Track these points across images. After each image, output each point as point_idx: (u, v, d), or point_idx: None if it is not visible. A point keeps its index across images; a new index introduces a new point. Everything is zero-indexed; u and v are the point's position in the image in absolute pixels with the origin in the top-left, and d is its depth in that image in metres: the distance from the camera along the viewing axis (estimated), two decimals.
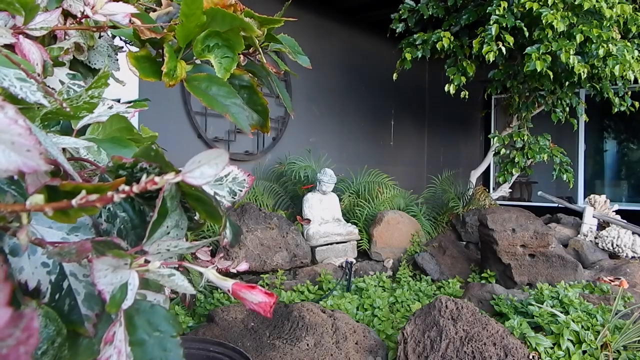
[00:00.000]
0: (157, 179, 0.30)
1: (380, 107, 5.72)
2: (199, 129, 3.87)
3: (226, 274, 0.41)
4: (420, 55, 4.00)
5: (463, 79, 3.92)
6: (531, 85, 4.24)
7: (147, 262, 0.35)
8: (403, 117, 6.02)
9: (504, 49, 3.53)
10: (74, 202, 0.28)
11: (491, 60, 3.54)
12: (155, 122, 3.53)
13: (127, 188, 0.29)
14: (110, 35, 0.82)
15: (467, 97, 4.09)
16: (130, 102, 0.73)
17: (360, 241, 3.81)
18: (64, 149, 0.53)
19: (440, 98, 5.82)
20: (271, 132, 4.43)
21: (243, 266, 0.43)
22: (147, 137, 0.61)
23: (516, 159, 4.20)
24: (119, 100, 0.71)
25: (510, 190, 5.03)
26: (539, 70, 3.40)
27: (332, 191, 3.92)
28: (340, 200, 4.09)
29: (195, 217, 0.45)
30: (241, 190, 0.49)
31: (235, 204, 3.48)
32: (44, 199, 0.29)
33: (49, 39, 0.73)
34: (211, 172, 0.32)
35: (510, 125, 4.67)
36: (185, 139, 3.80)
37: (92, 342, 0.39)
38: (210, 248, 0.49)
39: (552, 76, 3.65)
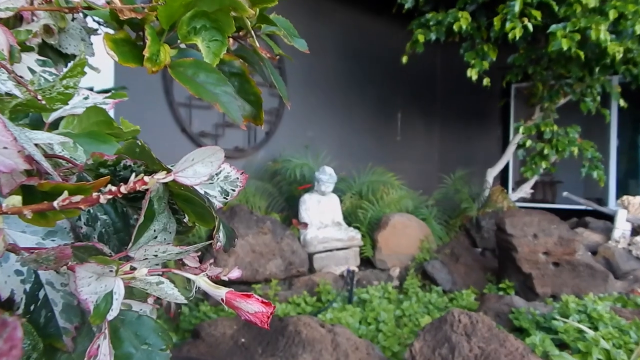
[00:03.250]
0: (146, 178, 0.31)
1: (386, 97, 5.74)
2: (183, 122, 3.88)
3: (215, 282, 0.42)
4: (433, 38, 3.99)
5: (485, 64, 3.90)
6: (556, 71, 4.22)
7: (132, 269, 0.36)
8: (411, 108, 6.03)
9: (530, 26, 3.49)
10: (55, 203, 0.29)
11: (517, 37, 3.48)
12: (133, 114, 3.52)
13: (113, 188, 0.30)
14: (82, 15, 0.83)
15: (489, 85, 4.07)
16: (107, 91, 0.74)
17: (364, 247, 3.83)
18: (36, 145, 0.54)
19: (454, 87, 5.84)
20: (264, 125, 4.44)
21: (235, 273, 0.44)
22: (129, 131, 0.62)
23: (545, 151, 4.18)
24: (92, 89, 0.72)
25: (532, 190, 5.06)
26: (565, 49, 3.35)
27: (332, 192, 3.94)
28: (341, 201, 4.10)
29: (185, 220, 0.46)
30: (234, 190, 0.50)
31: (224, 206, 3.48)
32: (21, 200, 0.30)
33: (14, 21, 0.74)
34: (205, 171, 0.33)
35: (533, 118, 4.66)
36: (167, 134, 3.80)
37: (71, 357, 0.40)
38: (199, 254, 0.50)
39: (582, 58, 3.55)
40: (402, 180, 4.54)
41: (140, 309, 0.38)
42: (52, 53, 0.80)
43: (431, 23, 3.97)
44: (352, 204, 4.22)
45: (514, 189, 5.77)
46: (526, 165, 4.40)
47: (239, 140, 4.35)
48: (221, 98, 0.52)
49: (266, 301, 0.38)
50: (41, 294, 0.40)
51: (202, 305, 2.72)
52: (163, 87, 3.81)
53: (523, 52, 4.12)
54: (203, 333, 2.10)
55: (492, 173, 4.87)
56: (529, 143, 4.28)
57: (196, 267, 0.47)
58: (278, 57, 0.75)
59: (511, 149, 4.80)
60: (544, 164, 4.24)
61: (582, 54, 3.51)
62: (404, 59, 4.18)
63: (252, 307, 0.37)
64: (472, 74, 3.87)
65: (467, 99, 6.00)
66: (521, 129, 4.33)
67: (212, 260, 0.54)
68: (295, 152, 4.40)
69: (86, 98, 0.63)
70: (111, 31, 0.75)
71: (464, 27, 3.82)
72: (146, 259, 0.38)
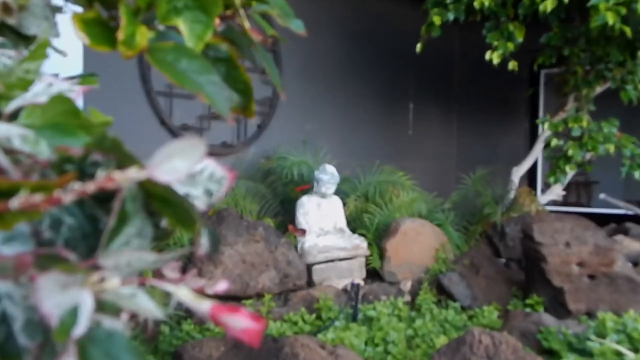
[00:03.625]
0: (116, 175, 0.31)
1: (396, 85, 5.74)
2: (162, 114, 3.88)
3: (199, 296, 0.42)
4: (451, 18, 3.99)
5: (509, 46, 3.89)
6: (595, 54, 4.19)
7: (102, 279, 0.37)
8: (425, 98, 6.04)
9: None
10: (12, 203, 0.29)
11: (548, 10, 3.47)
12: (104, 105, 3.51)
13: (80, 187, 0.30)
14: None
15: (515, 69, 4.06)
16: (74, 77, 0.74)
17: (370, 257, 3.83)
18: None
19: (474, 74, 5.84)
20: (256, 117, 4.45)
21: (222, 286, 0.44)
22: (99, 123, 0.62)
23: (570, 152, 4.17)
24: (57, 76, 0.72)
25: (564, 192, 5.06)
26: (610, 23, 3.30)
27: (333, 194, 3.94)
28: (344, 205, 4.10)
29: (162, 224, 0.46)
30: (219, 190, 0.50)
31: (210, 210, 3.48)
32: None
33: None
34: (184, 166, 0.33)
35: (565, 108, 4.64)
36: (145, 127, 3.81)
37: None
38: (180, 264, 0.51)
39: (628, 34, 3.50)
40: (415, 181, 4.54)
41: (112, 325, 0.38)
42: (10, 34, 0.81)
43: (448, 1, 3.97)
44: (357, 207, 4.22)
45: (543, 191, 5.77)
46: (549, 170, 4.39)
47: (227, 135, 4.36)
48: (206, 87, 0.52)
49: (257, 316, 0.39)
50: None
51: (185, 324, 2.72)
52: (139, 74, 3.82)
53: (557, 30, 4.10)
54: (186, 356, 2.11)
55: (518, 172, 4.87)
56: (554, 142, 4.26)
57: (176, 278, 0.47)
58: (271, 40, 0.75)
59: (540, 144, 4.79)
60: (568, 168, 4.21)
61: (628, 30, 3.46)
62: (419, 47, 4.18)
63: (240, 322, 0.37)
64: (494, 57, 3.86)
65: (490, 87, 6.00)
66: (546, 126, 4.30)
67: (195, 271, 0.55)
68: (292, 148, 4.40)
69: (50, 85, 0.63)
70: (80, 9, 0.75)
71: (486, 3, 3.81)
72: (118, 268, 0.38)
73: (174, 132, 3.92)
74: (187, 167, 0.38)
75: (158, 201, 0.44)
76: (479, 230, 4.47)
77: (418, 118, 6.00)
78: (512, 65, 4.01)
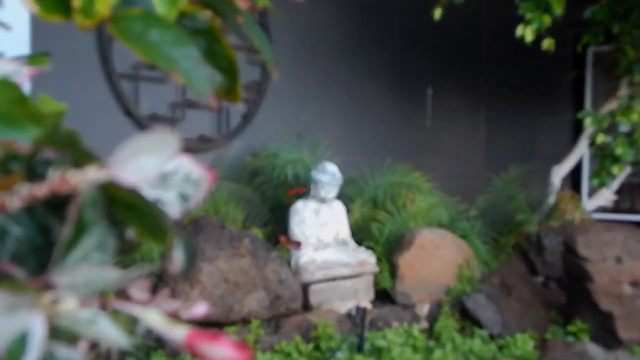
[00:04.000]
0: (72, 175, 0.32)
1: (411, 67, 5.74)
2: (127, 101, 3.88)
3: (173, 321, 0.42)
4: None
5: (546, 20, 3.89)
6: None
7: (56, 300, 0.37)
8: (447, 83, 6.03)
9: None
10: None
11: None
12: (57, 90, 3.52)
13: (28, 190, 0.31)
14: None
15: (551, 49, 4.05)
16: (20, 57, 0.75)
17: (379, 275, 3.83)
18: None
19: (507, 53, 5.82)
20: (241, 105, 4.44)
21: (200, 309, 0.45)
22: (51, 112, 0.63)
23: (618, 151, 4.16)
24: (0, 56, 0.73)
25: (616, 197, 5.07)
26: None
27: (335, 198, 3.94)
28: (348, 211, 4.10)
29: (128, 234, 0.47)
30: (197, 194, 0.50)
31: (185, 218, 3.48)
32: None
33: None
34: (154, 165, 0.33)
35: (617, 95, 4.63)
36: (106, 117, 3.80)
37: None
38: (149, 282, 0.51)
39: None
40: (434, 182, 4.54)
41: (67, 356, 0.39)
42: None
43: None
44: (364, 215, 4.22)
45: (590, 195, 5.78)
46: (593, 172, 4.37)
47: (206, 126, 4.35)
48: (182, 64, 0.52)
49: (242, 345, 0.39)
50: None
51: (155, 356, 2.72)
52: (99, 52, 3.82)
53: (605, 3, 4.10)
54: None
55: (560, 172, 4.88)
56: (601, 138, 4.24)
57: (145, 300, 0.48)
58: (260, 8, 0.75)
59: (585, 140, 4.80)
60: (616, 170, 4.19)
61: None
62: (438, 13, 4.18)
63: (222, 353, 0.38)
64: (527, 33, 3.86)
65: (527, 69, 6.00)
66: (588, 121, 4.28)
67: (167, 292, 0.55)
68: (285, 143, 4.40)
69: None
70: None
71: None
72: (75, 287, 0.39)
73: (141, 124, 3.91)
74: (157, 166, 0.39)
75: (122, 207, 0.44)
76: (512, 243, 4.48)
77: (438, 106, 5.99)
78: (547, 44, 4.00)
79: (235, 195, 4.08)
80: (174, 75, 0.51)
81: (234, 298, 3.19)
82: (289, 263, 3.59)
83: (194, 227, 3.36)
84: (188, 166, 0.50)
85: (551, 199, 4.73)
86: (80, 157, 0.44)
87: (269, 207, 4.21)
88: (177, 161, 0.50)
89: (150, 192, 0.47)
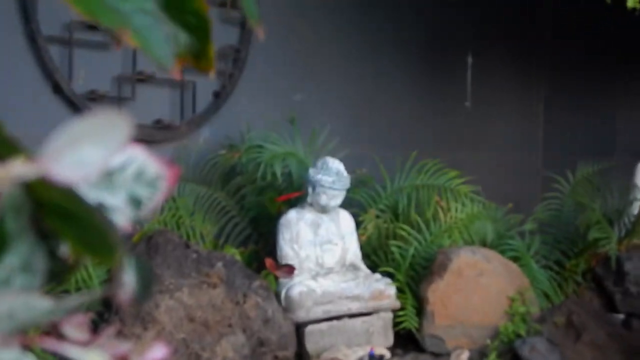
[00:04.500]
0: None
1: (444, 28, 5.72)
2: (56, 74, 3.87)
3: None
4: None
5: None
6: None
7: None
8: (493, 49, 6.02)
9: None
10: None
11: None
12: None
13: None
14: None
15: (638, 6, 4.05)
16: None
17: (402, 312, 3.83)
18: None
19: (573, 9, 5.80)
20: (212, 79, 4.42)
21: (158, 353, 0.45)
22: None
23: None
24: None
25: None
26: None
27: (340, 206, 3.93)
28: (358, 225, 4.09)
29: (62, 251, 0.47)
30: (153, 198, 0.50)
31: (136, 232, 3.46)
32: None
33: None
34: (97, 157, 0.34)
35: None
36: (30, 94, 3.81)
37: None
38: (90, 316, 0.51)
39: None
40: (475, 185, 4.54)
41: None
42: None
43: None
44: (380, 229, 4.22)
45: None
46: None
47: (164, 108, 4.35)
48: (134, 19, 0.52)
49: None
50: None
51: None
52: (18, 6, 3.81)
53: None
54: None
55: None
56: None
57: (84, 340, 0.48)
58: None
59: None
60: None
61: None
62: None
63: None
64: None
65: (600, 31, 5.98)
66: None
67: (113, 330, 0.55)
68: (271, 131, 4.39)
69: None
70: None
71: None
72: None
73: (76, 104, 3.91)
74: (101, 160, 0.39)
75: (56, 214, 0.44)
76: (582, 268, 4.47)
77: (481, 81, 5.98)
78: (631, 1, 4.02)
79: (205, 201, 4.07)
80: (124, 37, 0.52)
81: (202, 343, 3.19)
82: (277, 295, 3.58)
83: (147, 245, 3.36)
84: (141, 160, 0.50)
85: (635, 208, 4.72)
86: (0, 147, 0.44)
87: (251, 218, 4.21)
88: (126, 153, 0.50)
89: (91, 194, 0.47)
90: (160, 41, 0.52)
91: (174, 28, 0.57)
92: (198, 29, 0.58)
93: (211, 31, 0.60)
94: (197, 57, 0.59)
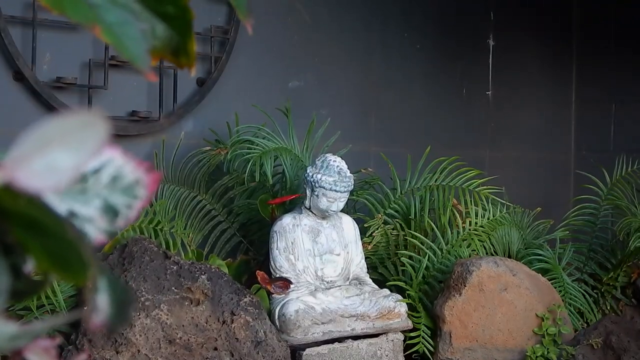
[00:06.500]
0: None
1: (459, 10, 5.72)
2: (17, 60, 3.88)
3: None
4: None
5: None
6: None
7: None
8: (517, 30, 6.02)
9: None
10: None
11: None
12: None
13: None
14: None
15: None
16: None
17: (413, 334, 3.82)
18: None
19: None
20: (197, 68, 4.40)
21: None
22: None
23: None
24: None
25: None
26: None
27: (342, 211, 3.93)
28: (363, 232, 4.09)
29: (27, 268, 0.47)
30: (130, 206, 0.51)
31: (109, 241, 3.46)
32: None
33: None
34: (69, 162, 0.34)
35: None
36: None
37: None
38: (58, 341, 0.52)
39: None
40: (498, 186, 4.54)
41: None
42: None
43: None
44: (389, 237, 4.22)
45: None
46: None
47: (140, 99, 4.35)
48: (105, 14, 0.52)
49: None
50: None
51: None
52: None
53: None
54: None
55: None
56: None
57: None
58: None
59: None
60: None
61: None
62: None
63: None
64: None
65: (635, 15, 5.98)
66: None
67: (84, 357, 0.55)
68: (262, 126, 4.39)
69: None
70: None
71: None
72: None
73: (40, 93, 3.91)
74: (73, 166, 0.39)
75: (20, 226, 0.45)
76: (621, 282, 4.47)
77: (504, 66, 5.99)
78: None
79: (186, 205, 4.08)
80: (94, 30, 0.52)
81: None
82: (270, 314, 3.59)
83: (120, 255, 3.36)
84: (117, 163, 0.50)
85: None
86: None
87: (240, 224, 4.21)
88: (100, 156, 0.50)
89: (60, 203, 0.47)
90: (134, 38, 0.52)
91: (151, 19, 0.57)
92: (177, 20, 0.58)
93: (192, 22, 0.60)
94: (175, 52, 0.59)
